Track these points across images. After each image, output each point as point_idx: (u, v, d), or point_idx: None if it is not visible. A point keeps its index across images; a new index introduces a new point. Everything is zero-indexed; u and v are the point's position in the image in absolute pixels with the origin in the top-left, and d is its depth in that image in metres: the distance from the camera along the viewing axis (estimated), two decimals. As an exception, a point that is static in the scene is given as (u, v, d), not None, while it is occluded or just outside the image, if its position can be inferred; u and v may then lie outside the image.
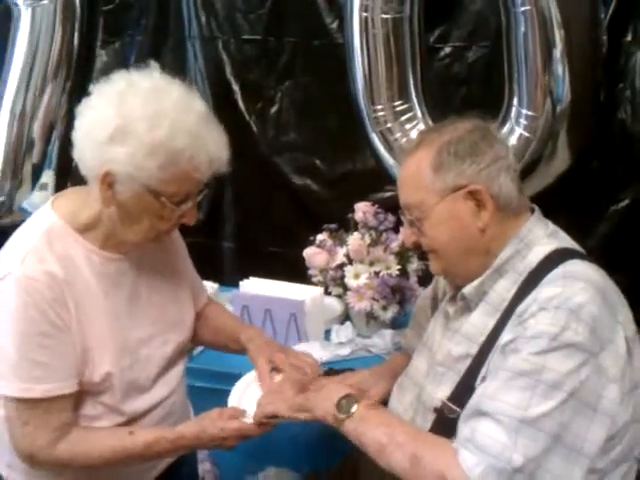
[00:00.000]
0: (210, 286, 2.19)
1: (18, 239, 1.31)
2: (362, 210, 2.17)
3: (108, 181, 1.23)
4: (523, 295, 1.19)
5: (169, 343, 1.45)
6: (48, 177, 2.70)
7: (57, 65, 2.61)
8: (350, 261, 2.12)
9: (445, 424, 1.22)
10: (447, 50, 2.42)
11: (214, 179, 1.31)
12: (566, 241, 1.30)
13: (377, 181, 2.42)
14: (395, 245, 2.10)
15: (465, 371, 1.24)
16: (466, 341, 1.27)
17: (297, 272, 2.22)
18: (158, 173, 1.22)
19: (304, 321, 2.10)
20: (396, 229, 2.11)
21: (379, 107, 2.23)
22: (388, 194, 2.41)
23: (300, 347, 2.00)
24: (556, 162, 2.10)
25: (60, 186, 2.62)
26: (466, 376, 1.23)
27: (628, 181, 2.25)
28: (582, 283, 1.15)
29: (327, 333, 2.18)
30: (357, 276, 2.08)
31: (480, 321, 1.26)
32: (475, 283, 1.28)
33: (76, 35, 2.66)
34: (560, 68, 1.99)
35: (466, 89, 2.43)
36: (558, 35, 1.97)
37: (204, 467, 1.94)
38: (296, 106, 2.65)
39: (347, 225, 2.20)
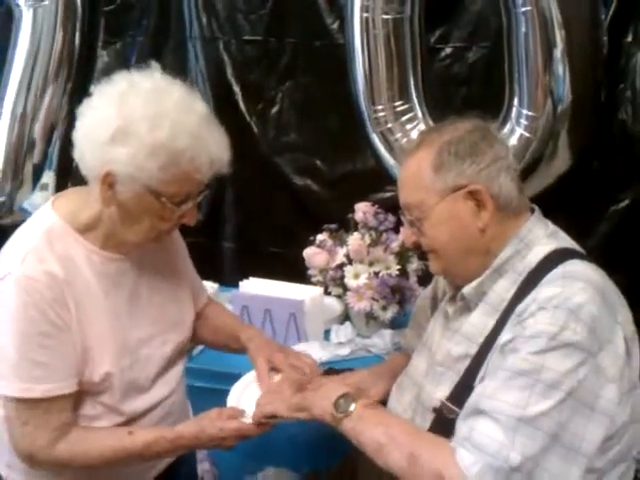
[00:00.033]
0: (210, 286, 2.19)
1: (18, 239, 1.31)
2: (362, 210, 2.17)
3: (109, 181, 1.23)
4: (522, 295, 1.19)
5: (169, 343, 1.45)
6: (49, 177, 2.70)
7: (58, 66, 2.62)
8: (350, 261, 2.12)
9: (444, 424, 1.21)
10: (448, 50, 2.43)
11: (215, 179, 1.31)
12: (566, 241, 1.30)
13: (377, 181, 2.42)
14: (395, 245, 2.10)
15: (464, 371, 1.24)
16: (465, 341, 1.27)
17: (297, 272, 2.22)
18: (159, 174, 1.22)
19: (304, 321, 2.10)
20: (396, 229, 2.11)
21: (380, 107, 2.23)
22: (388, 194, 2.41)
23: (300, 347, 2.00)
24: (556, 162, 2.10)
25: (61, 186, 2.63)
26: (465, 376, 1.23)
27: (628, 181, 2.25)
28: (581, 283, 1.15)
29: (327, 333, 2.18)
30: (357, 276, 2.08)
31: (479, 321, 1.27)
32: (475, 283, 1.28)
33: (77, 35, 2.66)
34: (561, 68, 1.99)
35: (467, 89, 2.43)
36: (559, 35, 1.97)
37: (203, 467, 1.94)
38: (297, 106, 2.65)
39: (347, 225, 2.20)
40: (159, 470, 1.49)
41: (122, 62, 2.75)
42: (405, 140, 2.23)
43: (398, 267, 2.07)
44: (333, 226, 2.22)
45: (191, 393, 1.63)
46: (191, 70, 2.71)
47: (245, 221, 2.80)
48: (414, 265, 2.10)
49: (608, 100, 2.20)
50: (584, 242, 1.35)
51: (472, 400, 1.16)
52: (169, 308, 1.47)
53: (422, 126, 2.23)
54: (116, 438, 1.32)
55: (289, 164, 2.68)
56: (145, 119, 1.21)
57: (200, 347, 2.07)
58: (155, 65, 1.30)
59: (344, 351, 2.08)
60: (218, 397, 1.48)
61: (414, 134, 2.21)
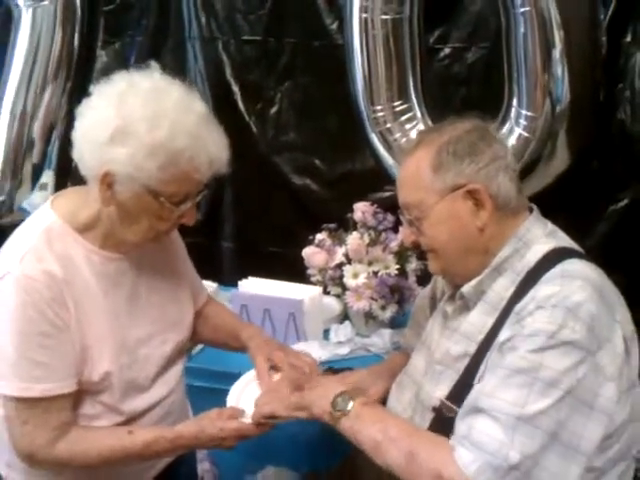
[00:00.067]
0: (209, 286, 2.19)
1: (17, 238, 1.31)
2: (361, 210, 2.17)
3: (108, 181, 1.23)
4: (521, 294, 1.20)
5: (168, 342, 1.45)
6: (48, 177, 2.70)
7: (57, 65, 2.62)
8: (349, 261, 2.12)
9: (443, 423, 1.22)
10: (447, 51, 2.43)
11: (214, 179, 1.31)
12: (564, 240, 1.30)
13: (376, 181, 2.42)
14: (394, 245, 2.10)
15: (463, 370, 1.24)
16: (465, 340, 1.28)
17: (296, 272, 2.22)
18: (158, 174, 1.22)
19: (303, 320, 2.11)
20: (395, 229, 2.11)
21: (379, 107, 2.23)
22: (387, 194, 2.41)
23: (299, 346, 2.00)
24: (555, 162, 2.10)
25: (60, 186, 2.62)
26: (464, 375, 1.24)
27: (627, 181, 2.25)
28: (580, 282, 1.15)
29: (326, 332, 2.19)
30: (356, 276, 2.08)
31: (479, 320, 1.27)
32: (474, 282, 1.29)
33: (76, 36, 2.66)
34: (559, 69, 1.99)
35: (466, 89, 2.43)
36: (557, 36, 1.97)
37: (203, 467, 1.94)
38: (296, 107, 2.65)
39: (346, 225, 2.20)
40: (158, 470, 1.49)
41: (121, 62, 2.75)
42: (404, 140, 2.23)
43: (397, 267, 2.07)
44: (332, 226, 2.22)
45: (190, 393, 1.63)
46: (190, 70, 2.71)
47: (244, 221, 2.80)
48: (413, 265, 2.10)
49: (607, 100, 2.20)
50: (583, 242, 1.35)
51: (471, 398, 1.16)
52: (168, 308, 1.47)
53: (421, 126, 2.24)
54: (116, 437, 1.32)
55: (288, 164, 2.68)
56: (144, 119, 1.21)
57: (199, 347, 2.07)
58: (154, 65, 1.30)
59: (343, 350, 2.08)
60: (217, 397, 1.48)
61: (413, 134, 2.21)
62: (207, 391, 1.87)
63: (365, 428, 1.22)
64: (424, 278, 1.95)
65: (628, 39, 2.19)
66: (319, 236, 2.20)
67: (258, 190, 2.73)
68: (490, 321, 1.24)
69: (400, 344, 1.84)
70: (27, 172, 2.66)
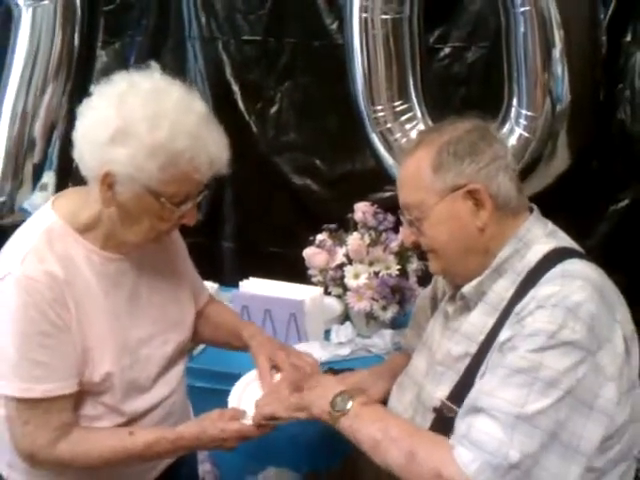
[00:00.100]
0: (210, 286, 2.19)
1: (18, 239, 1.31)
2: (362, 210, 2.17)
3: (108, 182, 1.23)
4: (522, 294, 1.20)
5: (169, 343, 1.45)
6: (49, 178, 2.70)
7: (58, 65, 2.61)
8: (350, 261, 2.12)
9: (444, 423, 1.22)
10: (447, 50, 2.43)
11: (214, 179, 1.31)
12: (565, 240, 1.31)
13: (377, 181, 2.42)
14: (395, 245, 2.10)
15: (464, 370, 1.24)
16: (465, 340, 1.28)
17: (297, 272, 2.22)
18: (158, 174, 1.22)
19: (304, 321, 2.11)
20: (396, 229, 2.11)
21: (379, 107, 2.23)
22: (388, 194, 2.41)
23: (300, 347, 1.99)
24: (556, 162, 2.10)
25: (61, 187, 2.62)
26: (465, 375, 1.24)
27: (627, 181, 2.25)
28: (580, 282, 1.15)
29: (327, 333, 2.19)
30: (357, 276, 2.08)
31: (479, 320, 1.27)
32: (474, 283, 1.29)
33: (76, 35, 2.66)
34: (559, 68, 1.99)
35: (466, 89, 2.43)
36: (557, 35, 1.97)
37: (204, 468, 1.95)
38: (296, 106, 2.65)
39: (347, 225, 2.20)
40: (160, 471, 1.49)
41: (121, 62, 2.75)
42: (404, 140, 2.23)
43: (398, 267, 2.07)
44: (333, 226, 2.22)
45: (192, 393, 1.63)
46: (190, 70, 2.71)
47: (244, 221, 2.80)
48: (414, 265, 2.11)
49: (607, 100, 2.20)
50: (584, 242, 1.36)
51: (470, 398, 1.17)
52: (169, 308, 1.47)
53: (421, 126, 2.24)
54: (117, 438, 1.33)
55: (288, 164, 2.68)
56: (144, 119, 1.21)
57: (201, 347, 2.07)
58: (154, 65, 1.30)
59: (344, 351, 2.08)
60: (219, 397, 1.48)
61: (413, 134, 2.21)
62: (208, 392, 1.87)
63: (364, 427, 1.22)
64: (425, 278, 1.95)
65: (628, 39, 2.19)
66: (320, 236, 2.20)
67: (258, 190, 2.73)
68: (491, 321, 1.24)
69: (401, 345, 1.84)
70: (28, 172, 2.66)
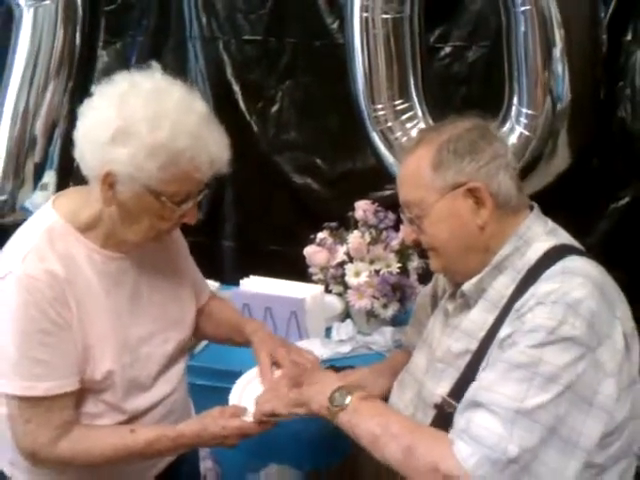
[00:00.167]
0: (211, 285, 2.17)
1: (19, 238, 1.32)
2: (362, 208, 2.17)
3: (109, 181, 1.24)
4: (522, 291, 1.20)
5: (170, 341, 1.46)
6: (50, 177, 2.70)
7: (59, 64, 2.62)
8: (350, 259, 2.12)
9: (445, 420, 1.22)
10: (447, 50, 2.43)
11: (214, 178, 1.32)
12: (565, 238, 1.31)
13: (377, 180, 2.42)
14: (395, 243, 2.11)
15: (465, 367, 1.25)
16: (466, 337, 1.28)
17: (298, 270, 2.23)
18: (159, 174, 1.22)
19: (305, 319, 2.11)
20: (396, 227, 2.11)
21: (379, 106, 2.23)
22: (388, 192, 2.41)
23: (301, 345, 1.97)
24: (556, 160, 2.10)
25: (62, 186, 2.62)
26: (466, 372, 1.24)
27: (628, 179, 2.25)
28: (580, 278, 1.15)
29: (328, 331, 2.19)
30: (357, 274, 2.09)
31: (479, 317, 1.27)
32: (474, 280, 1.29)
33: (78, 35, 2.66)
34: (560, 67, 1.99)
35: (466, 88, 2.43)
36: (558, 34, 1.97)
37: (206, 465, 1.95)
38: (297, 106, 2.65)
39: (347, 223, 2.20)
40: (161, 468, 1.49)
41: (122, 62, 2.76)
42: (405, 139, 2.23)
43: (398, 265, 2.07)
44: (333, 224, 2.23)
45: (193, 391, 1.63)
46: (191, 70, 2.71)
47: (245, 220, 2.80)
48: (414, 263, 2.11)
49: (607, 98, 2.20)
50: (584, 240, 1.36)
51: (470, 393, 1.17)
52: (170, 306, 1.47)
53: (422, 125, 2.24)
54: (118, 436, 1.33)
55: (289, 163, 2.69)
56: (145, 119, 1.21)
57: (202, 345, 2.08)
58: (155, 65, 1.30)
59: (345, 349, 2.09)
60: (220, 395, 1.48)
61: (414, 133, 2.21)
62: (209, 389, 1.88)
63: (363, 422, 1.22)
64: (425, 276, 1.95)
65: (628, 37, 2.19)
66: (320, 235, 2.20)
67: (259, 189, 2.73)
68: (491, 318, 1.24)
69: (402, 342, 1.84)
70: (29, 171, 2.66)
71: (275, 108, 2.67)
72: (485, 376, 1.16)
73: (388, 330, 2.12)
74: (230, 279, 2.48)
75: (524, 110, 2.06)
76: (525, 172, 1.99)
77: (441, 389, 1.27)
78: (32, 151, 2.65)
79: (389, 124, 2.24)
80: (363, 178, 2.55)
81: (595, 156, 2.24)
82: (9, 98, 2.60)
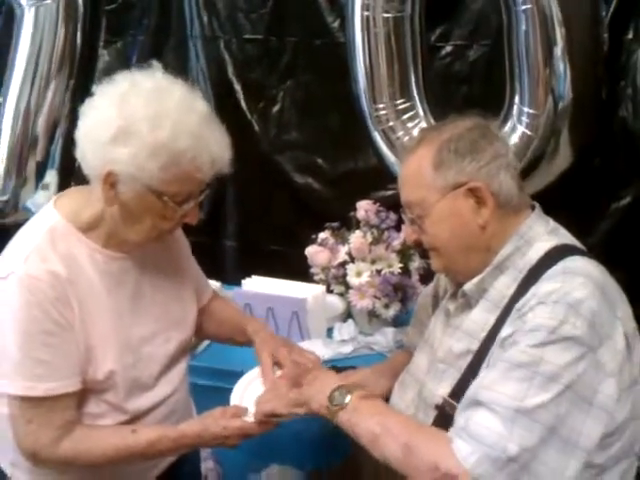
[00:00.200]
0: (212, 285, 2.19)
1: (21, 238, 1.32)
2: (364, 208, 2.17)
3: (110, 181, 1.24)
4: (523, 291, 1.20)
5: (172, 341, 1.46)
6: (51, 177, 2.71)
7: (60, 62, 2.62)
8: (352, 259, 2.12)
9: (446, 420, 1.22)
10: (448, 49, 2.42)
11: (216, 178, 1.31)
12: (566, 238, 1.31)
13: (379, 179, 2.42)
14: (397, 243, 2.11)
15: (466, 367, 1.25)
16: (467, 337, 1.28)
17: (299, 270, 2.23)
18: (160, 173, 1.22)
19: (306, 319, 2.11)
20: (398, 227, 2.11)
21: (381, 106, 2.23)
22: (390, 192, 2.41)
23: (302, 345, 1.98)
24: (558, 160, 2.10)
25: (63, 186, 2.62)
26: (467, 372, 1.24)
27: (630, 179, 2.25)
28: (582, 278, 1.15)
29: (329, 331, 2.19)
30: (359, 274, 2.09)
31: (480, 317, 1.27)
32: (475, 280, 1.29)
33: (79, 34, 2.67)
34: (561, 66, 1.99)
35: (467, 87, 2.43)
36: (559, 33, 1.96)
37: (207, 465, 1.95)
38: (298, 105, 2.65)
39: (349, 223, 2.20)
40: (162, 469, 1.49)
41: (123, 61, 2.76)
42: (407, 138, 2.23)
43: (400, 265, 2.07)
44: (335, 224, 2.22)
45: (194, 391, 1.63)
46: (192, 69, 2.71)
47: (246, 220, 2.80)
48: (416, 263, 2.11)
49: (609, 97, 2.20)
50: (585, 239, 1.36)
51: (470, 392, 1.17)
52: (172, 306, 1.47)
53: (423, 124, 2.24)
54: (119, 436, 1.33)
55: (290, 162, 2.68)
56: (146, 119, 1.21)
57: (203, 345, 2.08)
58: (156, 65, 1.30)
59: (347, 349, 2.09)
60: (221, 395, 1.48)
61: (415, 132, 2.20)
62: (211, 389, 1.87)
63: (363, 421, 1.22)
64: (427, 276, 1.95)
65: (630, 36, 2.18)
66: (322, 235, 2.20)
67: (260, 189, 2.73)
68: (492, 318, 1.24)
69: (403, 342, 1.84)
70: (31, 170, 2.67)
71: (276, 107, 2.67)
72: (486, 375, 1.16)
73: (389, 330, 2.12)
74: (232, 279, 2.48)
75: (525, 109, 2.06)
76: (527, 171, 1.99)
77: (442, 389, 1.27)
78: (34, 150, 2.65)
79: (390, 123, 2.24)
80: (365, 178, 2.55)
81: (597, 155, 2.24)
82: (11, 97, 2.60)
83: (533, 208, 1.34)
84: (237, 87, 2.68)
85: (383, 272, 2.07)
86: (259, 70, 2.66)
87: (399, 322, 2.14)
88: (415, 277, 2.11)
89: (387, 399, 1.47)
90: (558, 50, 1.97)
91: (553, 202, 1.52)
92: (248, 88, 2.68)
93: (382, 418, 1.21)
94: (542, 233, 1.28)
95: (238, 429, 1.35)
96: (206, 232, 2.67)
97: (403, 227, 1.99)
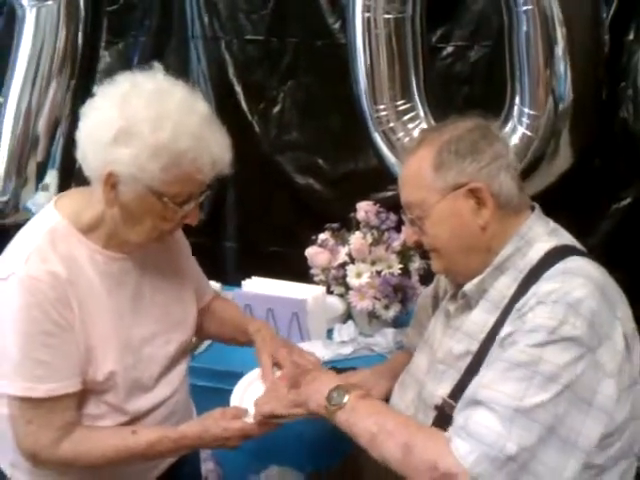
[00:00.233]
0: (212, 286, 2.19)
1: (22, 239, 1.32)
2: (364, 209, 2.17)
3: (111, 182, 1.24)
4: (523, 292, 1.20)
5: (172, 342, 1.46)
6: (51, 177, 2.71)
7: (61, 62, 2.63)
8: (352, 260, 2.12)
9: (446, 421, 1.21)
10: (449, 49, 2.43)
11: (216, 179, 1.32)
12: (566, 238, 1.31)
13: (379, 180, 2.42)
14: (397, 244, 2.11)
15: (465, 368, 1.25)
16: (467, 338, 1.28)
17: (299, 271, 2.23)
18: (161, 174, 1.22)
19: (306, 320, 2.11)
20: (398, 228, 2.11)
21: (381, 107, 2.23)
22: (390, 193, 2.41)
23: (302, 346, 1.97)
24: (558, 161, 2.10)
25: (64, 187, 2.63)
26: (467, 373, 1.24)
27: (630, 179, 2.25)
28: (581, 279, 1.16)
29: (329, 332, 2.19)
30: (359, 275, 2.09)
31: (480, 318, 1.27)
32: (476, 281, 1.29)
33: (80, 35, 2.67)
34: (562, 67, 1.99)
35: (468, 88, 2.43)
36: (560, 34, 1.96)
37: (207, 466, 1.95)
38: (298, 106, 2.65)
39: (349, 224, 2.20)
40: (162, 470, 1.49)
41: (124, 62, 2.76)
42: (407, 139, 2.23)
43: (400, 266, 2.07)
44: (335, 225, 2.22)
45: (194, 392, 1.63)
46: (193, 70, 2.72)
47: (247, 221, 2.80)
48: (416, 264, 2.11)
49: (609, 98, 2.20)
50: (586, 240, 1.36)
51: (469, 391, 1.17)
52: (172, 307, 1.47)
53: (424, 125, 2.24)
54: (119, 437, 1.33)
55: (291, 163, 2.68)
56: (147, 120, 1.21)
57: (203, 346, 2.08)
58: (158, 66, 1.30)
59: (347, 350, 2.09)
60: (221, 396, 1.48)
61: (416, 133, 2.21)
62: (211, 391, 1.87)
63: (361, 421, 1.22)
64: (427, 277, 1.95)
65: (631, 37, 2.18)
66: (322, 236, 2.20)
67: (261, 190, 2.73)
68: (492, 319, 1.24)
69: (403, 343, 1.84)
70: (31, 171, 2.67)
71: (277, 108, 2.67)
72: (485, 374, 1.16)
73: (390, 331, 2.12)
74: (232, 280, 2.48)
75: (526, 110, 2.06)
76: (527, 172, 1.99)
77: (442, 390, 1.27)
78: (34, 150, 2.65)
79: (391, 124, 2.24)
80: (365, 179, 2.55)
81: (597, 156, 2.24)
82: (12, 97, 2.61)
83: (533, 209, 1.34)
84: (238, 88, 2.68)
85: (383, 273, 2.07)
86: (260, 71, 2.66)
87: (399, 323, 2.14)
88: (415, 278, 2.11)
89: (387, 400, 1.47)
90: (559, 51, 1.97)
91: (553, 203, 1.52)
92: (249, 89, 2.68)
93: (380, 418, 1.21)
94: (542, 234, 1.29)
95: (238, 430, 1.35)
96: (206, 233, 2.68)
97: (403, 228, 1.99)
